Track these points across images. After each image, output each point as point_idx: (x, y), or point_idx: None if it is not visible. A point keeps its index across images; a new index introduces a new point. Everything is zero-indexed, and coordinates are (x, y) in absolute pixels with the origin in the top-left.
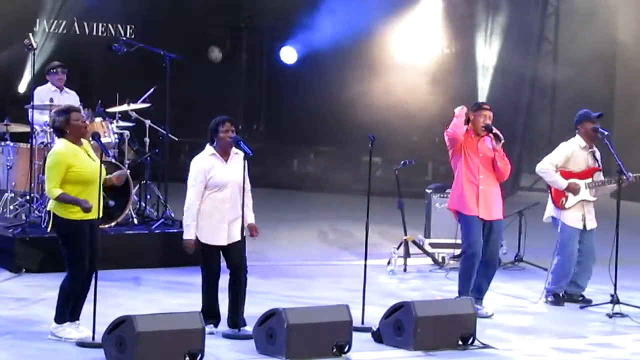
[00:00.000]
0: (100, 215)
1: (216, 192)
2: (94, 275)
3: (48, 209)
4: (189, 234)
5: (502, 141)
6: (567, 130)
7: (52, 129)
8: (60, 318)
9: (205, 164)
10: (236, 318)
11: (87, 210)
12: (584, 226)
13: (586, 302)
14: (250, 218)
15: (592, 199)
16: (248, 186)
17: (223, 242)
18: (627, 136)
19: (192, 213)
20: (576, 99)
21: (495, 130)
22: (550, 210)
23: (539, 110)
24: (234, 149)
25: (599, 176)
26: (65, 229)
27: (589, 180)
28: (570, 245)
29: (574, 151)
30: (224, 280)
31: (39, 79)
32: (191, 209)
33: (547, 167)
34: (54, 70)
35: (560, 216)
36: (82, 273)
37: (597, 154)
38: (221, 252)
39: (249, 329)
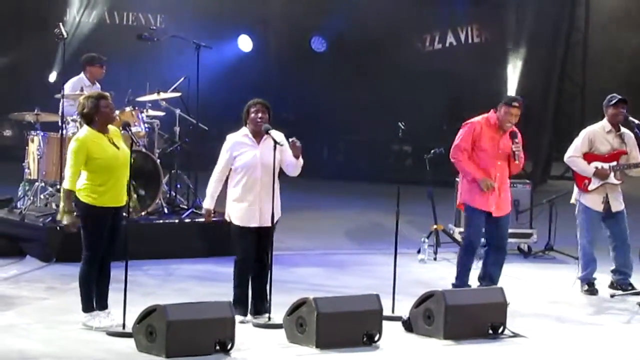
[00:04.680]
0: (127, 203)
1: (247, 175)
2: (109, 262)
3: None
4: (205, 204)
5: (517, 161)
6: (598, 118)
7: (80, 115)
8: (86, 307)
9: (234, 145)
10: (260, 306)
11: (72, 228)
12: (609, 209)
13: (637, 292)
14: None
15: (616, 182)
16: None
17: (255, 223)
18: None
19: (210, 184)
20: (607, 86)
21: (515, 147)
22: (575, 193)
23: (569, 98)
24: (266, 135)
25: (626, 159)
26: (85, 213)
27: (614, 163)
28: (590, 229)
29: (595, 134)
30: None
31: (69, 69)
32: (210, 181)
33: (573, 156)
34: (100, 63)
35: (582, 198)
36: (95, 258)
37: (628, 137)
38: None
39: (272, 317)
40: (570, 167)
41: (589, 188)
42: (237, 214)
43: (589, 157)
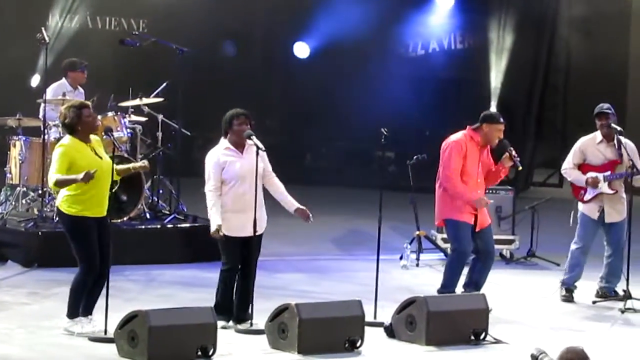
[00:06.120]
0: (109, 213)
1: (236, 185)
2: (107, 272)
3: (56, 204)
4: (212, 224)
5: (520, 167)
6: (579, 125)
7: (62, 125)
8: (71, 314)
9: (220, 158)
10: (243, 314)
11: (86, 179)
12: (603, 219)
13: (620, 299)
14: (295, 202)
15: (609, 191)
16: (273, 174)
17: (246, 232)
18: None
19: (212, 203)
20: (590, 94)
21: (515, 155)
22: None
23: (552, 105)
24: (248, 141)
25: (621, 169)
26: (70, 225)
27: (608, 173)
28: (583, 235)
29: (586, 146)
30: None
31: (51, 74)
32: (210, 201)
33: (566, 167)
34: (81, 68)
35: (579, 205)
36: (93, 269)
37: (630, 148)
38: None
39: (256, 323)
40: (566, 178)
41: (585, 198)
42: (227, 223)
43: (584, 167)
